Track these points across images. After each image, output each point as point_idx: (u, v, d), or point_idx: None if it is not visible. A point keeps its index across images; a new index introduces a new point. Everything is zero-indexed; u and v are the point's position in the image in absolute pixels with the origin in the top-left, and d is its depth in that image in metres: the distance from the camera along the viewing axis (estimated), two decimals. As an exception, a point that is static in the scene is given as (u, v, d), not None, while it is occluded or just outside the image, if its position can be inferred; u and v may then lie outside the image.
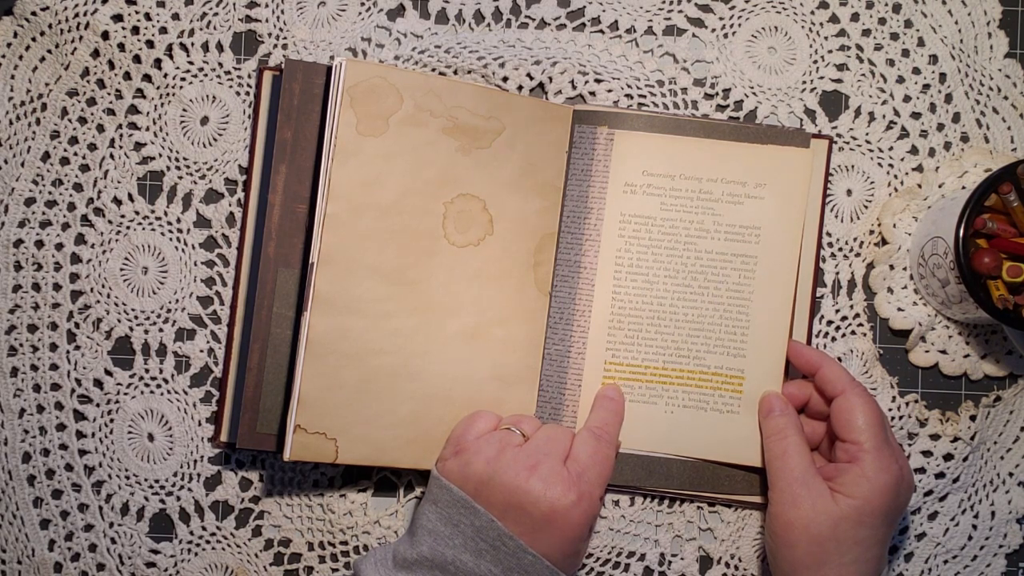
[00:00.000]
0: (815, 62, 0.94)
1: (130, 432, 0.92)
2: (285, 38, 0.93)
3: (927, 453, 0.92)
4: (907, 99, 0.94)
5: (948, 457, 0.92)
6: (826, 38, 0.94)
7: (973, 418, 0.92)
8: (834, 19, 0.94)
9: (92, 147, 0.93)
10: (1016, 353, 0.93)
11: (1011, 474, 0.93)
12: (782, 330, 0.89)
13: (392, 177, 0.85)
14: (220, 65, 0.93)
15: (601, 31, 0.94)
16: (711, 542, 0.92)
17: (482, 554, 0.79)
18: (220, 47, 0.94)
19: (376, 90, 0.84)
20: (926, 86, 0.94)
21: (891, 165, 0.93)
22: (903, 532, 0.92)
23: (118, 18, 0.93)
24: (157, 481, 0.92)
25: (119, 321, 0.93)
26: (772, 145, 0.89)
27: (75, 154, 0.93)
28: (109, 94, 0.93)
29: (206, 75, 0.93)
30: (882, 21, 0.94)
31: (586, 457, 0.82)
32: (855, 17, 0.94)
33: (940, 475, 0.92)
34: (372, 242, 0.84)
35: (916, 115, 0.94)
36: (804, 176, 0.89)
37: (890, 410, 0.92)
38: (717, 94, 0.93)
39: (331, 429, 0.83)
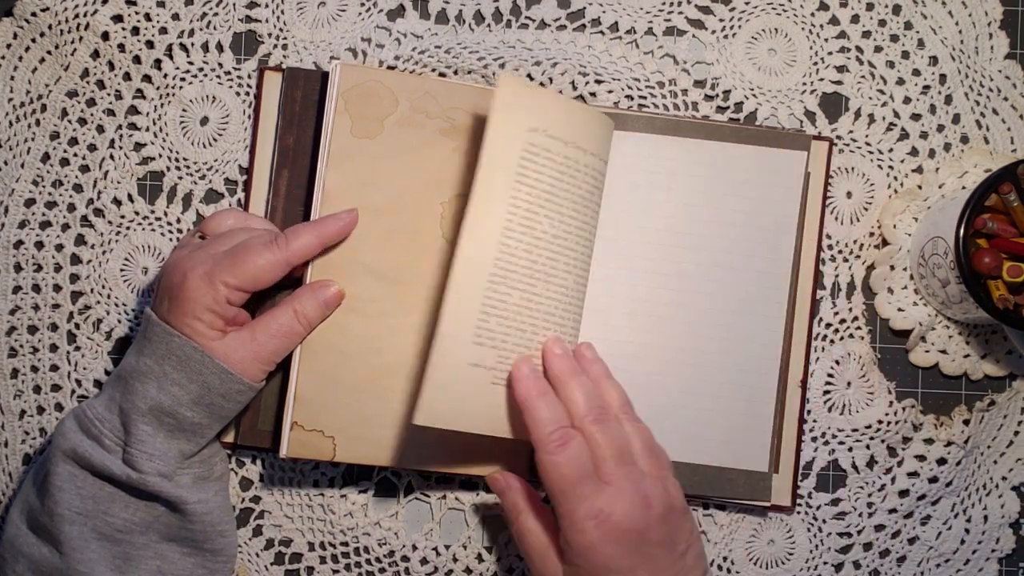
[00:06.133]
0: (815, 64, 0.94)
1: (131, 432, 0.92)
2: (285, 38, 0.93)
3: (921, 457, 0.92)
4: (907, 101, 0.94)
5: (942, 461, 0.92)
6: (826, 40, 0.94)
7: (967, 422, 0.93)
8: (834, 21, 0.94)
9: (92, 148, 0.93)
10: (1016, 353, 0.93)
11: (1004, 478, 0.93)
12: (778, 332, 0.89)
13: (387, 178, 0.85)
14: (220, 65, 0.93)
15: (601, 32, 0.94)
16: (704, 544, 0.92)
17: (142, 351, 0.80)
18: (220, 47, 0.94)
19: (371, 93, 0.85)
20: (926, 87, 0.94)
21: (891, 167, 0.93)
22: (895, 536, 0.92)
23: (118, 19, 0.93)
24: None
25: (119, 322, 0.93)
26: (772, 147, 0.89)
27: (75, 155, 0.93)
28: (109, 95, 0.93)
29: (206, 75, 0.93)
30: (882, 23, 0.94)
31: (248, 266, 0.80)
32: (855, 19, 0.94)
33: (933, 479, 0.92)
34: (368, 242, 0.84)
35: (916, 116, 0.94)
36: (804, 178, 0.89)
37: (886, 414, 0.92)
38: (717, 95, 0.93)
39: (329, 427, 0.84)
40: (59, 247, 0.93)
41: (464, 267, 0.78)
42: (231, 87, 0.93)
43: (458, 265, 0.78)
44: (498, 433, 0.81)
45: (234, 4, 0.94)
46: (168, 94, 0.93)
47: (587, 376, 0.82)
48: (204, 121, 0.93)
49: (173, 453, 0.80)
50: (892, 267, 0.92)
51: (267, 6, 0.93)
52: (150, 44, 0.93)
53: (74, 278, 0.93)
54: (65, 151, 0.93)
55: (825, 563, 0.92)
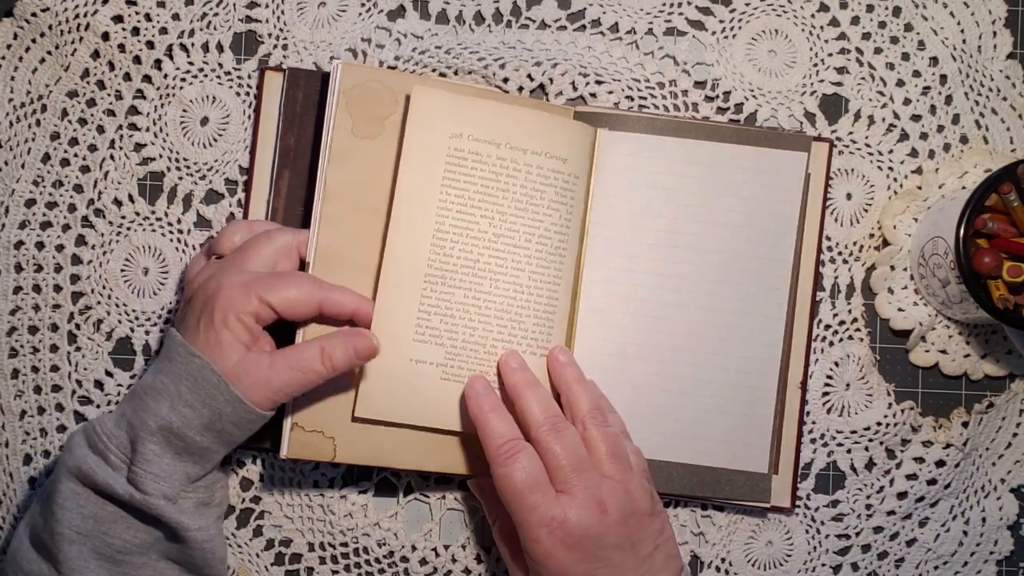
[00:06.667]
0: (815, 65, 0.94)
1: (131, 432, 0.92)
2: (285, 38, 0.93)
3: (919, 459, 0.92)
4: (907, 102, 0.94)
5: (940, 463, 0.92)
6: (826, 41, 0.94)
7: (965, 424, 0.93)
8: (834, 22, 0.94)
9: (92, 148, 0.93)
10: (1016, 353, 0.93)
11: (1002, 480, 0.93)
12: (778, 333, 0.89)
13: (388, 178, 0.85)
14: (220, 65, 0.93)
15: (602, 33, 0.94)
16: (702, 546, 0.92)
17: (160, 369, 0.79)
18: (220, 47, 0.94)
19: (372, 93, 0.85)
20: (926, 88, 0.94)
21: (891, 168, 0.93)
22: (894, 538, 0.93)
23: (118, 19, 0.93)
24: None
25: (120, 322, 0.93)
26: (773, 148, 0.89)
27: (75, 155, 0.93)
28: (109, 95, 0.93)
29: (206, 75, 0.93)
30: (882, 24, 0.94)
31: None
32: (855, 21, 0.94)
33: (932, 481, 0.92)
34: (367, 243, 0.84)
35: (916, 117, 0.94)
36: (804, 179, 0.89)
37: (885, 416, 0.92)
38: (717, 96, 0.93)
39: (329, 428, 0.83)
40: (60, 247, 0.93)
41: (392, 269, 0.83)
42: (231, 87, 0.93)
43: (386, 268, 0.83)
44: (450, 427, 0.85)
45: (234, 4, 0.94)
46: (168, 94, 0.93)
47: (559, 380, 0.85)
48: (204, 121, 0.93)
49: (179, 475, 0.78)
50: (892, 267, 0.92)
51: (267, 6, 0.93)
52: (150, 44, 0.93)
53: (75, 278, 0.93)
54: (65, 151, 0.93)
55: (823, 565, 0.92)
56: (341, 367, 0.80)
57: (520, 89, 0.92)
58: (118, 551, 0.78)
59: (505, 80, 0.92)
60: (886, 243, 0.92)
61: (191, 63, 0.93)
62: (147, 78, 0.93)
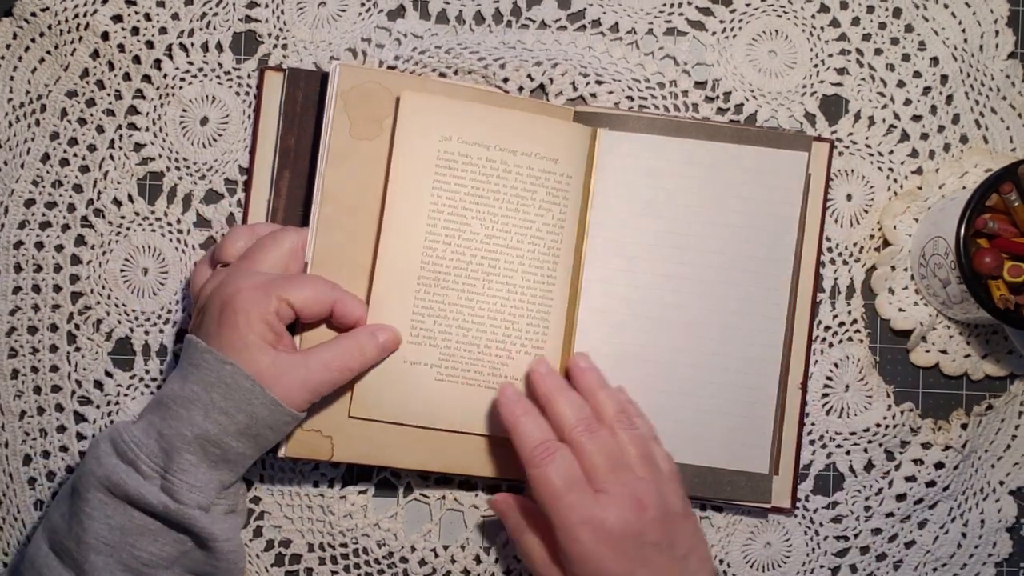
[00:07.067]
0: (815, 66, 0.93)
1: (131, 432, 0.92)
2: (285, 38, 0.93)
3: (918, 461, 0.92)
4: (908, 103, 0.94)
5: (939, 466, 0.93)
6: (826, 42, 0.94)
7: (964, 426, 0.93)
8: (835, 23, 0.94)
9: (92, 148, 0.93)
10: (1017, 353, 0.93)
11: (1001, 483, 0.93)
12: (779, 334, 0.89)
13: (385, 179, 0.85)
14: (220, 65, 0.93)
15: (602, 33, 0.94)
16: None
17: (187, 377, 0.78)
18: (220, 47, 0.93)
19: (371, 94, 0.85)
20: (927, 89, 0.94)
21: (891, 169, 0.93)
22: (892, 539, 0.93)
23: (118, 19, 0.93)
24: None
25: (119, 322, 0.93)
26: (773, 148, 0.89)
27: (75, 155, 0.93)
28: (109, 95, 0.93)
29: (206, 75, 0.93)
30: (882, 25, 0.94)
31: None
32: (856, 21, 0.94)
33: (931, 483, 0.92)
34: (365, 244, 0.85)
35: (917, 118, 0.94)
36: (804, 179, 0.89)
37: (884, 418, 0.92)
38: (718, 97, 0.93)
39: (326, 427, 0.84)
40: (59, 247, 0.93)
41: (385, 272, 0.84)
42: (231, 87, 0.93)
43: (379, 271, 0.84)
44: (444, 427, 0.86)
45: (234, 4, 0.93)
46: (168, 94, 0.93)
47: (581, 386, 0.84)
48: (204, 121, 0.93)
49: (214, 484, 0.78)
50: (893, 268, 0.92)
51: (267, 6, 0.93)
52: (150, 44, 0.93)
53: (74, 279, 0.93)
54: (65, 151, 0.93)
55: (822, 567, 0.92)
56: (371, 362, 0.83)
57: (520, 89, 0.92)
58: (144, 563, 0.77)
59: (505, 80, 0.91)
60: (886, 244, 0.92)
61: (191, 63, 0.93)
62: (147, 78, 0.93)
